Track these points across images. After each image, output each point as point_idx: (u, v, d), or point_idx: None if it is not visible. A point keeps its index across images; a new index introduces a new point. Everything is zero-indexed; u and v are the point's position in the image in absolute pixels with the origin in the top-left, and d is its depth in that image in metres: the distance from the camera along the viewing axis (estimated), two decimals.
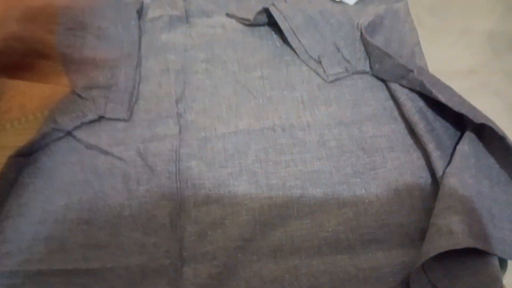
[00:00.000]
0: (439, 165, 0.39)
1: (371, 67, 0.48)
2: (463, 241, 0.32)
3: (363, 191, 0.40)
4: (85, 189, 0.42)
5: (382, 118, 0.45)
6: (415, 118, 0.42)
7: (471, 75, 0.51)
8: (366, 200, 0.40)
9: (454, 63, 0.52)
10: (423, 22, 0.54)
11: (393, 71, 0.45)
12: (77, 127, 0.45)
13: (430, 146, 0.40)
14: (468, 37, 0.54)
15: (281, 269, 0.37)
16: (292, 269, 0.37)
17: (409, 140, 0.44)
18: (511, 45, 0.54)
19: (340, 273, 0.36)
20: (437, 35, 0.54)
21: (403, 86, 0.45)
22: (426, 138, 0.41)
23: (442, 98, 0.41)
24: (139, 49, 0.52)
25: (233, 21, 0.55)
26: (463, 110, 0.40)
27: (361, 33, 0.49)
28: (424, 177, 0.41)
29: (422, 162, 0.42)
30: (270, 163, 0.43)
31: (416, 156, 0.42)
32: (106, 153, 0.44)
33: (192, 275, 0.37)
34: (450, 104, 0.40)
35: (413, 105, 0.43)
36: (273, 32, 0.53)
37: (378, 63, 0.47)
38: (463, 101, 0.41)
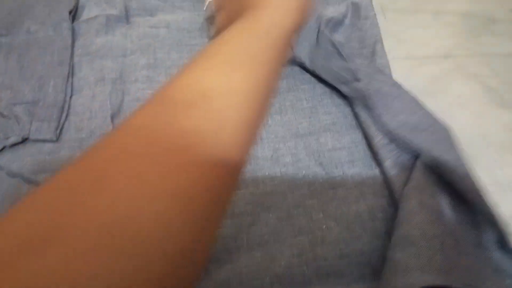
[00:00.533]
0: (397, 185, 0.35)
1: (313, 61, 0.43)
2: (420, 279, 0.28)
3: (321, 214, 0.36)
4: None
5: (342, 127, 0.40)
6: (371, 130, 0.38)
7: (447, 58, 0.47)
8: (324, 226, 0.35)
9: (429, 45, 0.48)
10: (394, 5, 0.49)
11: (338, 73, 0.40)
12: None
13: (387, 164, 0.36)
14: (442, 19, 0.50)
15: None
16: None
17: (372, 152, 0.39)
18: (487, 25, 0.50)
19: None
20: (410, 17, 0.50)
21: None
22: (382, 154, 0.36)
23: (384, 117, 0.36)
24: (72, 55, 0.46)
25: (179, 19, 0.49)
26: (406, 133, 0.35)
27: (319, 27, 0.44)
28: (387, 196, 0.36)
29: (384, 177, 0.37)
30: None
31: (378, 170, 0.38)
32: (30, 181, 0.38)
33: None
34: (391, 126, 0.36)
35: (369, 114, 0.38)
36: None
37: (325, 59, 0.42)
38: (407, 121, 0.36)
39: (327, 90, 0.43)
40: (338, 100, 0.42)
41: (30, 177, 0.38)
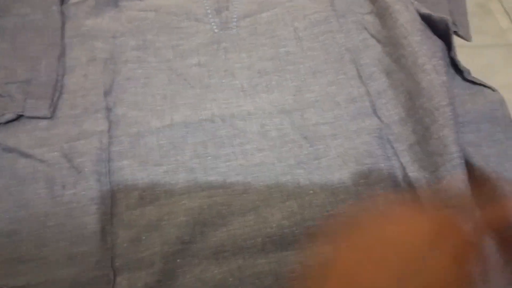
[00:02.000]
0: None
1: None
2: None
3: (307, 182, 0.39)
4: (4, 198, 0.38)
5: (325, 104, 0.43)
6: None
7: None
8: (311, 191, 0.38)
9: None
10: None
11: None
12: None
13: None
14: None
15: (224, 272, 0.35)
16: (235, 271, 0.35)
17: (353, 126, 0.42)
18: None
19: (285, 272, 0.35)
20: None
21: None
22: None
23: None
24: (63, 37, 0.47)
25: (167, 4, 0.51)
26: None
27: None
28: (368, 164, 0.39)
29: (366, 147, 0.40)
30: (209, 157, 0.40)
31: (359, 142, 0.41)
32: (26, 155, 0.40)
33: (127, 285, 0.34)
34: None
35: None
36: (210, 16, 0.50)
37: None
38: None
39: (310, 71, 0.45)
40: (321, 80, 0.45)
41: (26, 152, 0.40)
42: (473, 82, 0.44)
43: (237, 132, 0.42)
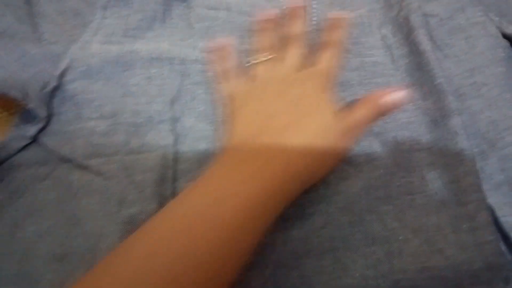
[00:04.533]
0: None
1: None
2: None
3: (397, 223, 0.33)
4: (56, 213, 0.35)
5: (421, 126, 0.37)
6: None
7: None
8: (401, 237, 0.32)
9: None
10: None
11: None
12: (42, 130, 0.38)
13: None
14: None
15: None
16: None
17: (455, 150, 0.35)
18: None
19: None
20: None
21: None
22: None
23: None
24: None
25: (240, 2, 0.46)
26: None
27: None
28: (474, 202, 0.33)
29: (471, 179, 0.33)
30: None
31: (462, 172, 0.34)
32: (82, 166, 0.36)
33: None
34: None
35: None
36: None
37: None
38: None
39: (402, 83, 0.39)
40: (415, 96, 0.38)
41: (82, 163, 0.36)
42: None
43: None
